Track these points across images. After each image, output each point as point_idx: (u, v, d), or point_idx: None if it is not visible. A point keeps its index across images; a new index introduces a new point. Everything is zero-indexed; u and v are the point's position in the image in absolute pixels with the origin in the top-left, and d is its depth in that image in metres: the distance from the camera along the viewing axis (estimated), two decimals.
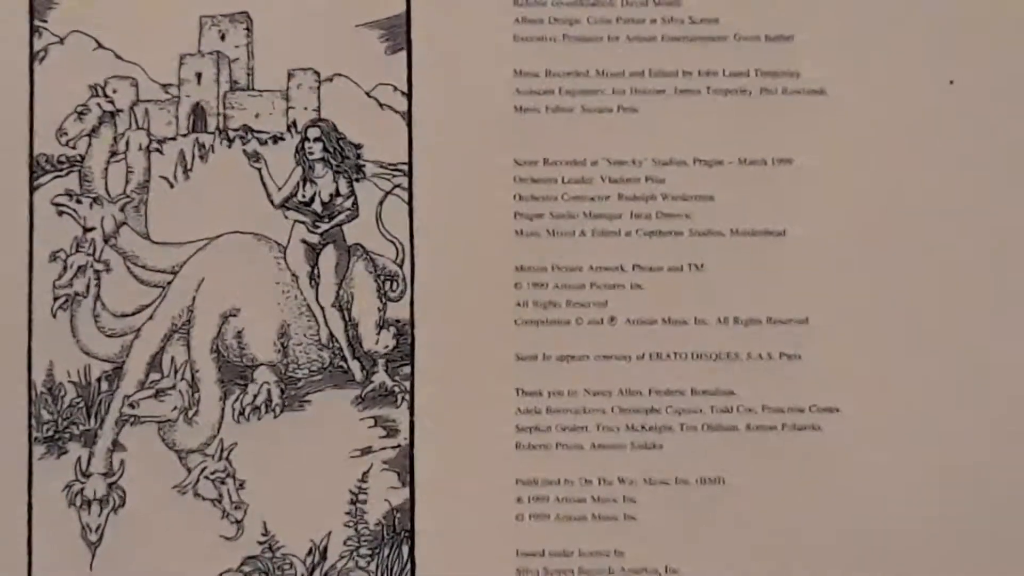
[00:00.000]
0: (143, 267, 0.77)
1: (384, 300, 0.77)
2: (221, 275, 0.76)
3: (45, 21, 0.77)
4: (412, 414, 0.76)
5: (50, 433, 0.75)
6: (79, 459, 0.75)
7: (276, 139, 0.77)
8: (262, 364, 0.76)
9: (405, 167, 0.77)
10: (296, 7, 0.77)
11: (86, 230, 0.76)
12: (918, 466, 0.75)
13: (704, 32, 0.77)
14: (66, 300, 0.76)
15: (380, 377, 0.76)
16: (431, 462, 0.75)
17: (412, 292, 0.76)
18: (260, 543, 0.75)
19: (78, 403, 0.75)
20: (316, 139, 0.77)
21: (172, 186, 0.77)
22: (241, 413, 0.76)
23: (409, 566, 0.75)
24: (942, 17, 0.77)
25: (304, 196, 0.77)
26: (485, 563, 0.75)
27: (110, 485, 0.75)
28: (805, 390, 0.76)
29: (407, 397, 0.76)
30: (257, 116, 0.78)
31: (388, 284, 0.77)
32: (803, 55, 0.77)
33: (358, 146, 0.77)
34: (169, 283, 0.76)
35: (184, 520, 0.75)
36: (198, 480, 0.75)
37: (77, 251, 0.76)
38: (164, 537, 0.75)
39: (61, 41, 0.77)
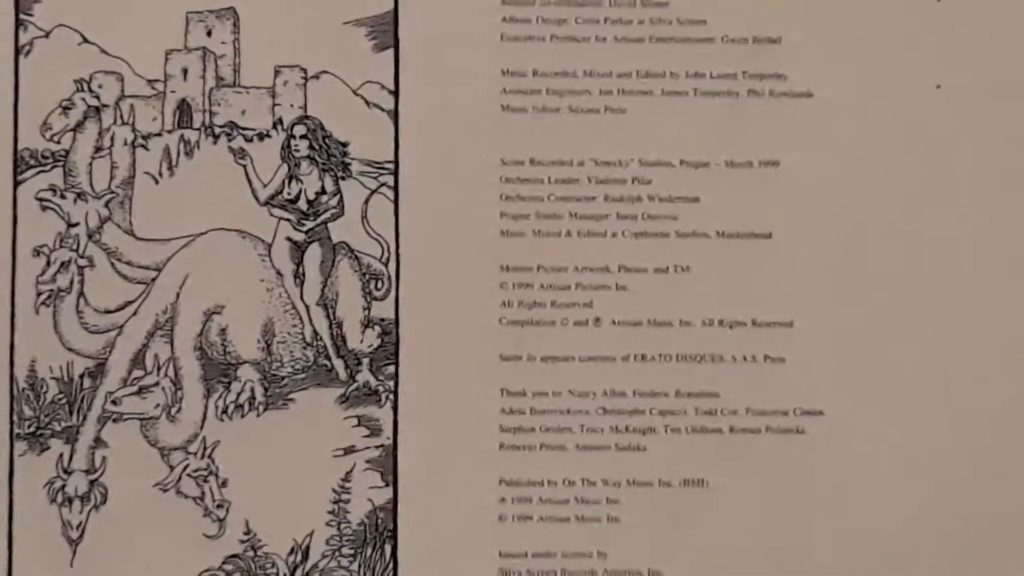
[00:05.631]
0: (127, 263, 0.76)
1: (369, 299, 0.77)
2: (205, 272, 0.76)
3: (31, 14, 0.76)
4: (396, 413, 0.76)
5: (32, 429, 0.75)
6: (61, 456, 0.75)
7: (262, 136, 0.77)
8: (246, 362, 0.76)
9: (391, 165, 0.76)
10: (283, 4, 0.77)
11: (70, 225, 0.76)
12: (901, 469, 0.76)
13: (691, 34, 0.77)
14: (49, 296, 0.75)
15: (364, 376, 0.76)
16: (414, 462, 0.75)
17: (397, 291, 0.76)
18: (242, 542, 0.75)
19: (60, 399, 0.75)
20: (302, 136, 0.77)
21: (157, 182, 0.77)
22: (224, 411, 0.75)
23: (391, 566, 0.75)
24: (929, 21, 0.77)
25: (289, 194, 0.77)
26: (468, 564, 0.75)
27: (92, 482, 0.75)
28: (789, 393, 0.76)
29: (391, 396, 0.76)
30: (243, 113, 0.77)
31: (373, 283, 0.77)
32: (790, 58, 0.77)
33: (344, 144, 0.77)
34: (153, 280, 0.76)
35: (166, 518, 0.75)
36: (180, 478, 0.75)
37: (61, 247, 0.76)
38: (146, 535, 0.75)
39: (46, 35, 0.76)
